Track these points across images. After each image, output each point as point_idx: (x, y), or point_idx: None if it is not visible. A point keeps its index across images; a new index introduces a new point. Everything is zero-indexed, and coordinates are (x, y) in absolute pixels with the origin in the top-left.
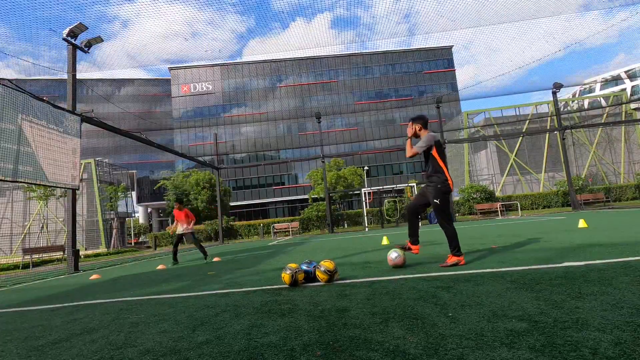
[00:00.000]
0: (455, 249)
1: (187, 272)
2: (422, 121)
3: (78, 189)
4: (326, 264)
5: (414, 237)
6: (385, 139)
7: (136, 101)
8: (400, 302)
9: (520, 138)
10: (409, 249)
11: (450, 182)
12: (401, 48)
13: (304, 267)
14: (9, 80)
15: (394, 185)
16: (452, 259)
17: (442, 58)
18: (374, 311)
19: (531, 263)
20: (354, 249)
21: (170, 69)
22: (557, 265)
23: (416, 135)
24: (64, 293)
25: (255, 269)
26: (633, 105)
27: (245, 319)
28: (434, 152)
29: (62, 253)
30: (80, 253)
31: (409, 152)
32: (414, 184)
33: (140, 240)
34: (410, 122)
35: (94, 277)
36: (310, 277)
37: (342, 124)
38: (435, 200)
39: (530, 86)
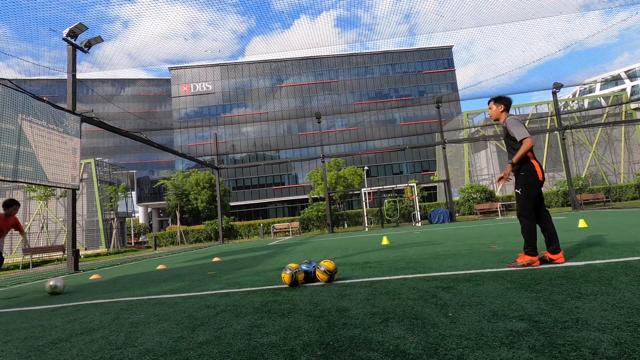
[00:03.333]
0: (529, 246)
1: (187, 272)
2: (507, 103)
3: (78, 189)
4: (326, 264)
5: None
6: (385, 139)
7: (136, 101)
8: (400, 302)
9: None
10: (550, 260)
11: (539, 169)
12: (401, 48)
13: (304, 267)
14: (9, 80)
15: (394, 185)
16: (524, 258)
17: (442, 58)
18: (374, 311)
19: (531, 263)
20: (354, 249)
21: (171, 68)
22: (557, 265)
23: (497, 118)
24: (64, 293)
25: (255, 269)
26: (633, 105)
27: (245, 319)
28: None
29: (62, 253)
30: (80, 253)
31: (523, 148)
32: (414, 184)
33: (140, 240)
34: (492, 102)
35: (94, 277)
36: (310, 277)
37: (342, 124)
38: (517, 190)
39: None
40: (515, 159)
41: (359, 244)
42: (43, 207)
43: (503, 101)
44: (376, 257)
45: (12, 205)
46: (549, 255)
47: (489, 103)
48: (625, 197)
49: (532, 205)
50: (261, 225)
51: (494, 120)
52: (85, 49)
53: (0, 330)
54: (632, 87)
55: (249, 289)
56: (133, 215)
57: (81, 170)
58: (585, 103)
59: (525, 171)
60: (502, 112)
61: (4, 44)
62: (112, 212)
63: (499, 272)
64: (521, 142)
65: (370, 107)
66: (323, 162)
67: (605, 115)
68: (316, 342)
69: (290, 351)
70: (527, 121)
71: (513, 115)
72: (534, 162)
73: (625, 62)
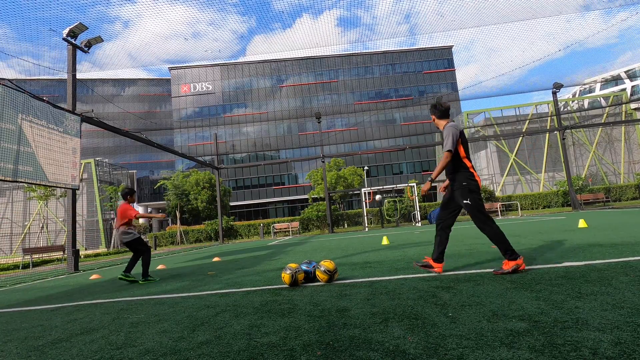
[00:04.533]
0: (507, 251)
1: (187, 272)
2: (438, 111)
3: (78, 189)
4: (326, 264)
5: (437, 253)
6: (385, 139)
7: (137, 101)
8: (400, 302)
9: (520, 138)
10: (430, 266)
11: (477, 178)
12: (401, 48)
13: (304, 267)
14: (9, 80)
15: (394, 185)
16: (509, 264)
17: (442, 58)
18: (374, 311)
19: (531, 263)
20: (354, 249)
21: (171, 68)
22: (557, 265)
23: (437, 126)
24: (64, 293)
25: (255, 269)
26: (633, 105)
27: (245, 319)
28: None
29: (62, 253)
30: (80, 253)
31: (440, 164)
32: (414, 184)
33: None
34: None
35: (94, 277)
36: (310, 277)
37: (342, 124)
38: (465, 201)
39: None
40: (434, 175)
41: (359, 244)
42: (43, 207)
43: (434, 111)
44: (376, 257)
45: None
46: (430, 261)
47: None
48: (625, 197)
49: (485, 210)
50: (261, 225)
51: (437, 128)
52: (85, 49)
53: (0, 330)
54: (632, 87)
55: (249, 289)
56: None
57: (81, 170)
58: (585, 103)
59: (466, 180)
60: (438, 119)
61: (5, 44)
62: (112, 212)
63: None
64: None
65: (370, 107)
66: (323, 162)
67: (605, 115)
68: (316, 342)
69: (290, 351)
70: (527, 121)
71: (454, 122)
72: (472, 171)
73: (625, 62)
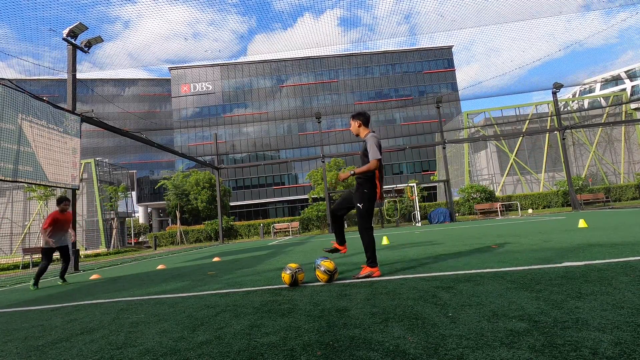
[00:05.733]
0: (370, 259)
1: (187, 272)
2: (364, 117)
3: (78, 189)
4: (326, 264)
5: (340, 238)
6: (385, 138)
7: (137, 101)
8: (400, 302)
9: (520, 138)
10: (337, 249)
11: (379, 189)
12: (401, 48)
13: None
14: (9, 80)
15: (394, 185)
16: (366, 270)
17: (442, 58)
18: (374, 311)
19: (531, 263)
20: (354, 249)
21: (171, 69)
22: (557, 265)
23: (357, 134)
24: (64, 293)
25: (255, 269)
26: (633, 105)
27: (245, 319)
28: None
29: None
30: (80, 253)
31: (368, 166)
32: (414, 184)
33: (140, 240)
34: (352, 119)
35: (94, 277)
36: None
37: (342, 124)
38: (358, 205)
39: (530, 86)
40: (358, 171)
41: (359, 244)
42: (43, 207)
43: (360, 117)
44: (376, 257)
45: None
46: (337, 246)
47: (350, 119)
48: (625, 197)
49: (371, 219)
50: (261, 225)
51: (355, 136)
52: (85, 49)
53: (0, 330)
54: (632, 87)
55: (249, 289)
56: (133, 215)
57: (81, 170)
58: (585, 103)
59: (368, 189)
60: (359, 127)
61: (5, 44)
62: (112, 212)
63: (499, 272)
64: (362, 154)
65: (370, 107)
66: (323, 162)
67: (605, 115)
68: (316, 342)
69: (290, 351)
70: (527, 121)
71: (374, 133)
72: (377, 182)
73: (626, 62)
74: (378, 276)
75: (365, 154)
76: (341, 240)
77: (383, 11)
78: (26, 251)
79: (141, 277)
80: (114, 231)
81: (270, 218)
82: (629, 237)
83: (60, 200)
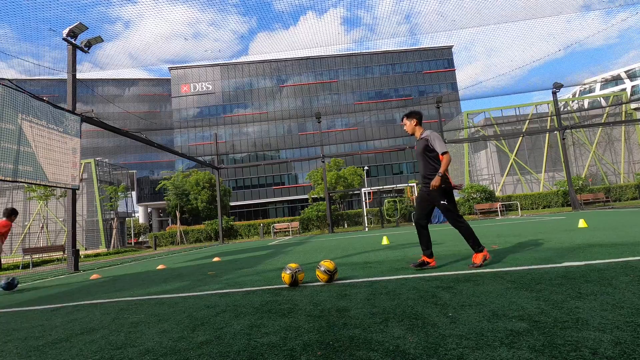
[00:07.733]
0: (474, 245)
1: (187, 272)
2: (419, 116)
3: (78, 189)
4: (326, 264)
5: (429, 250)
6: (385, 139)
7: (137, 101)
8: (400, 302)
9: (520, 138)
10: (427, 263)
11: (450, 179)
12: (401, 48)
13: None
14: (9, 80)
15: (394, 185)
16: (479, 257)
17: (442, 58)
18: (374, 311)
19: (531, 263)
20: (354, 249)
21: (171, 69)
22: (557, 265)
23: (412, 133)
24: (64, 293)
25: (255, 269)
26: (633, 105)
27: (245, 319)
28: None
29: (62, 253)
30: (80, 253)
31: (446, 161)
32: (414, 184)
33: (140, 240)
34: (405, 118)
35: (94, 277)
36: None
37: (342, 124)
38: (443, 202)
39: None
40: (442, 170)
41: (359, 244)
42: (43, 207)
43: (416, 115)
44: (376, 257)
45: None
46: (426, 259)
47: (402, 119)
48: (625, 197)
49: (457, 210)
50: (261, 225)
51: (410, 135)
52: (85, 49)
53: (0, 330)
54: (632, 87)
55: (249, 289)
56: (133, 215)
57: (81, 170)
58: (585, 103)
59: (444, 184)
60: (415, 125)
61: (5, 45)
62: (112, 212)
63: (499, 272)
64: (443, 154)
65: (370, 107)
66: (323, 162)
67: (605, 115)
68: (316, 342)
69: (290, 351)
70: (527, 121)
71: (432, 129)
72: (448, 175)
73: (625, 62)
74: (489, 258)
75: (427, 151)
76: (430, 252)
77: (383, 11)
78: (26, 251)
79: (141, 277)
80: (114, 231)
81: (270, 218)
82: (629, 237)
83: (14, 212)
